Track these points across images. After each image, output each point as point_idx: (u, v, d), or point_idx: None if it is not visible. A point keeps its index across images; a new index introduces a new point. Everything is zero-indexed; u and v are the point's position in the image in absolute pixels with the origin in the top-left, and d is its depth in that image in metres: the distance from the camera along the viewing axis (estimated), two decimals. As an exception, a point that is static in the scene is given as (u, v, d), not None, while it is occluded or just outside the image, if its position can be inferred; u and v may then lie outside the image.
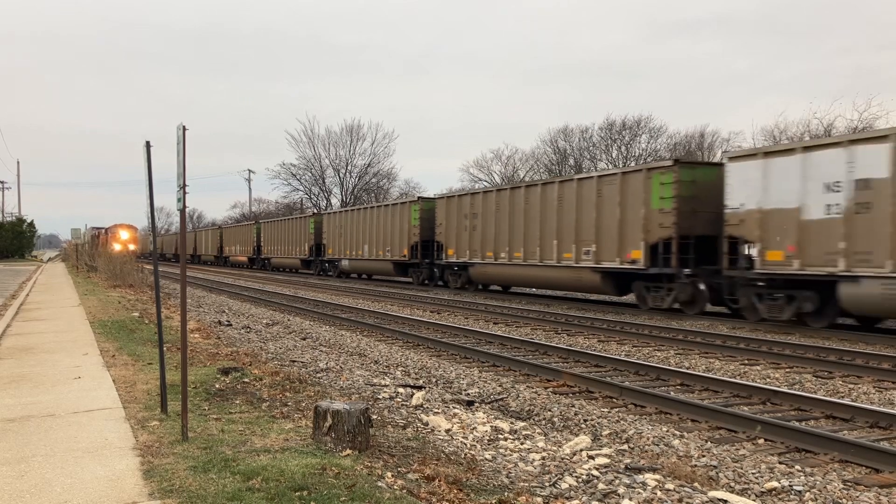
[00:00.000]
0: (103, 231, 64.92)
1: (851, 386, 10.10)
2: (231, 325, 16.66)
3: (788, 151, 16.56)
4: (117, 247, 50.30)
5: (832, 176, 15.18)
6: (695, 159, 30.04)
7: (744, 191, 17.07)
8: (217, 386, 7.87)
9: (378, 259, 36.47)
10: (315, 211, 60.66)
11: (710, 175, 19.12)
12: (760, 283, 16.96)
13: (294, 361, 11.11)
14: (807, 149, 16.08)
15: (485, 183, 61.69)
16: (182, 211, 5.96)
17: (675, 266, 18.94)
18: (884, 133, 14.90)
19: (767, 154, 17.08)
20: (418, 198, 36.26)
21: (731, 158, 18.09)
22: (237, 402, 7.17)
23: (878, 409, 8.27)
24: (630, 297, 22.09)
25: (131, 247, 55.97)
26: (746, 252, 17.43)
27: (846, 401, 8.84)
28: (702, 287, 18.81)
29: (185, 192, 5.79)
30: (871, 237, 14.51)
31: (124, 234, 58.41)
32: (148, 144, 6.24)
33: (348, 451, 5.29)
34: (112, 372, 8.74)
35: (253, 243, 57.52)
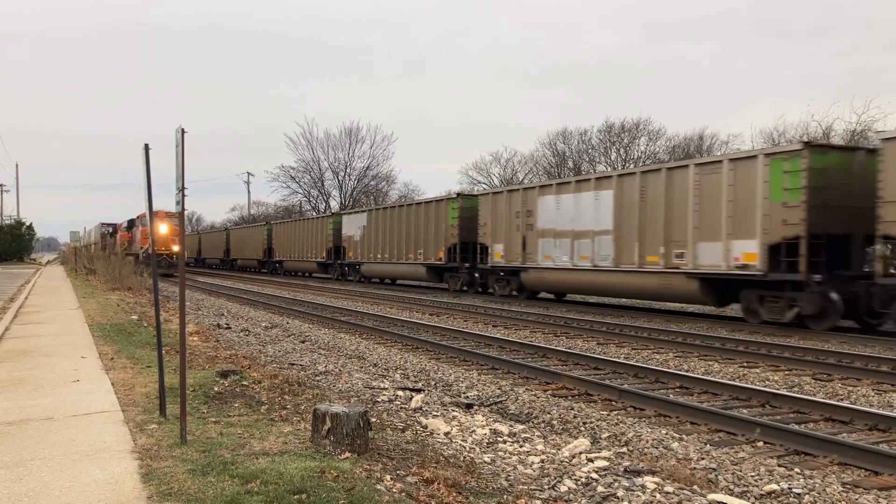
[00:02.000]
0: (123, 226, 51.88)
1: (851, 388, 10.09)
2: (230, 328, 16.66)
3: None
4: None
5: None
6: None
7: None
8: (216, 389, 7.86)
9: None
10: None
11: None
12: None
13: (293, 364, 11.10)
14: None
15: (484, 186, 61.68)
16: (181, 214, 5.97)
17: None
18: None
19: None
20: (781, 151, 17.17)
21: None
22: (236, 405, 7.17)
23: (877, 411, 8.26)
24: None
25: (175, 248, 42.06)
26: None
27: (845, 403, 8.84)
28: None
29: (183, 195, 5.79)
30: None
31: (164, 228, 41.49)
32: (147, 147, 6.24)
33: (347, 454, 5.28)
34: (111, 375, 8.73)
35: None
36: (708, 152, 52.05)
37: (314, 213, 57.47)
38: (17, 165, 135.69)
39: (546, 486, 5.36)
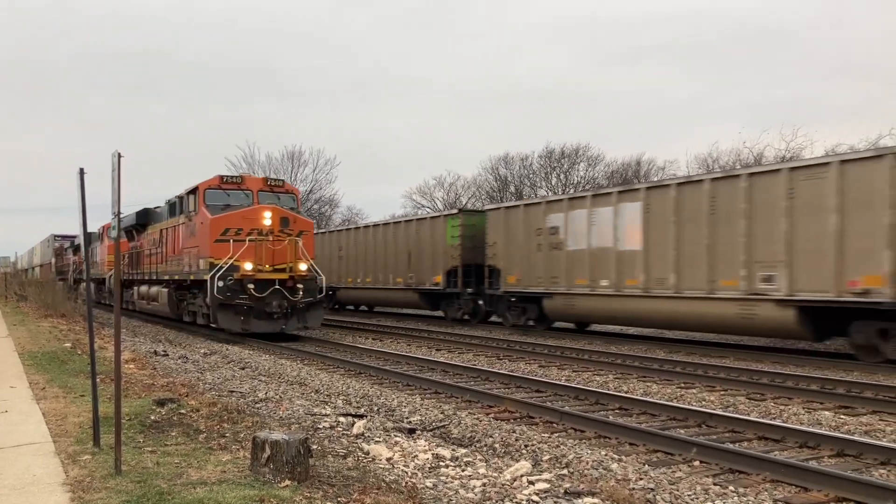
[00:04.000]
0: (110, 229, 30.23)
1: (783, 407, 10.40)
2: (167, 355, 16.28)
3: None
4: (249, 266, 19.47)
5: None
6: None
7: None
8: (152, 418, 7.68)
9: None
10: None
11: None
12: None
13: (232, 392, 10.92)
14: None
15: (427, 209, 61.86)
16: (117, 239, 5.87)
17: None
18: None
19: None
20: None
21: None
22: (173, 433, 7.01)
23: (807, 429, 8.55)
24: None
25: (302, 267, 20.22)
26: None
27: (777, 422, 9.11)
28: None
29: (119, 220, 5.70)
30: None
31: (268, 218, 19.99)
32: (82, 171, 6.13)
33: (287, 482, 5.22)
34: (42, 405, 8.45)
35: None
36: (646, 177, 53.34)
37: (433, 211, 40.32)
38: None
39: (488, 510, 5.38)
